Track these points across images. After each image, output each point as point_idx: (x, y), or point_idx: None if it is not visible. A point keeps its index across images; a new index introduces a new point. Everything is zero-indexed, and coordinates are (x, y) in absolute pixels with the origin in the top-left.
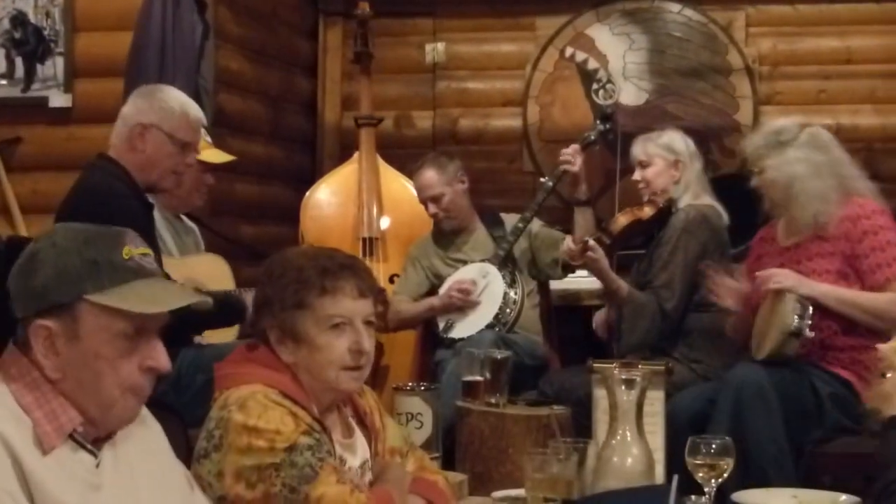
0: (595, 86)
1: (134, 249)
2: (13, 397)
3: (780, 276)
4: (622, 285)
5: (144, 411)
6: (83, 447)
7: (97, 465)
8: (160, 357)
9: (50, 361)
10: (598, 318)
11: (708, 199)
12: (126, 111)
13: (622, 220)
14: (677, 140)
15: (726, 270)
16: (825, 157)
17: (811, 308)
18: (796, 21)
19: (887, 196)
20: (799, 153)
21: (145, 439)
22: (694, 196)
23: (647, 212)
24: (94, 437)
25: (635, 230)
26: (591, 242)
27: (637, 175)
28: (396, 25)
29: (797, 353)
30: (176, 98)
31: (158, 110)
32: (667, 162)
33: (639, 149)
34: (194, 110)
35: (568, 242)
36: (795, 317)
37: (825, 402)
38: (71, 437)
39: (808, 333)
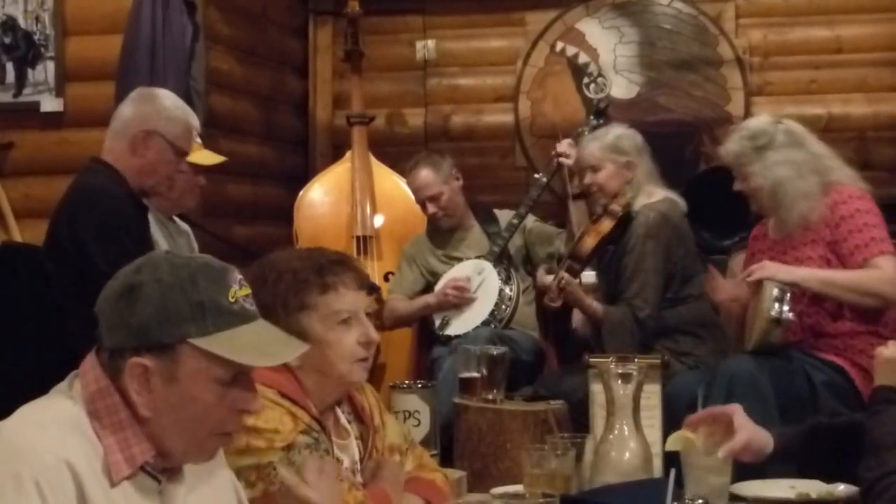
0: (586, 80)
1: (239, 291)
2: (88, 420)
3: (757, 267)
4: (597, 308)
5: (220, 453)
6: (150, 475)
7: (160, 493)
8: (252, 401)
9: (143, 399)
10: (578, 316)
11: (661, 193)
12: (127, 115)
13: (589, 241)
14: (624, 138)
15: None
16: (804, 153)
17: (790, 293)
18: (786, 11)
19: (880, 184)
20: (779, 155)
21: (215, 482)
22: (647, 195)
23: (608, 225)
24: (163, 467)
25: (601, 246)
26: (566, 278)
27: (588, 179)
28: (386, 23)
29: (784, 340)
30: (178, 105)
31: (164, 118)
32: (617, 165)
33: (586, 152)
34: (193, 118)
35: (542, 278)
36: (775, 303)
37: (819, 389)
38: (140, 467)
39: (789, 316)
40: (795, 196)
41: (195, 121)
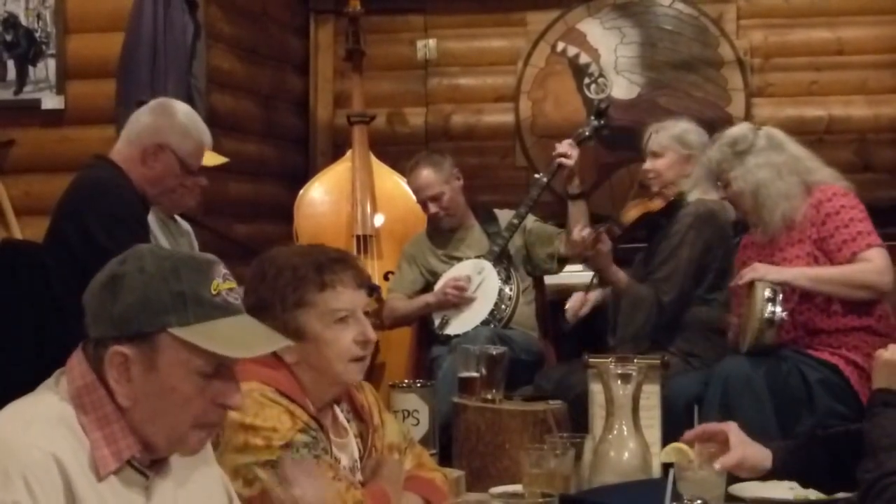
0: (587, 80)
1: (222, 284)
2: (74, 413)
3: (748, 270)
4: (622, 277)
5: (209, 450)
6: (137, 470)
7: (147, 488)
8: (234, 396)
9: (122, 388)
10: (573, 301)
11: (716, 194)
12: (143, 124)
13: (633, 212)
14: (691, 133)
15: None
16: (784, 156)
17: (781, 294)
18: (787, 13)
19: (881, 186)
20: (759, 159)
21: (203, 479)
22: (703, 192)
23: (658, 204)
24: (150, 461)
25: (643, 222)
26: (603, 234)
27: (648, 164)
28: (387, 22)
29: (777, 341)
30: (194, 123)
31: (178, 134)
32: (679, 155)
33: (652, 139)
34: (207, 137)
35: (577, 232)
36: (767, 304)
37: (814, 388)
38: (127, 461)
39: (782, 316)
40: (777, 197)
41: (209, 140)
